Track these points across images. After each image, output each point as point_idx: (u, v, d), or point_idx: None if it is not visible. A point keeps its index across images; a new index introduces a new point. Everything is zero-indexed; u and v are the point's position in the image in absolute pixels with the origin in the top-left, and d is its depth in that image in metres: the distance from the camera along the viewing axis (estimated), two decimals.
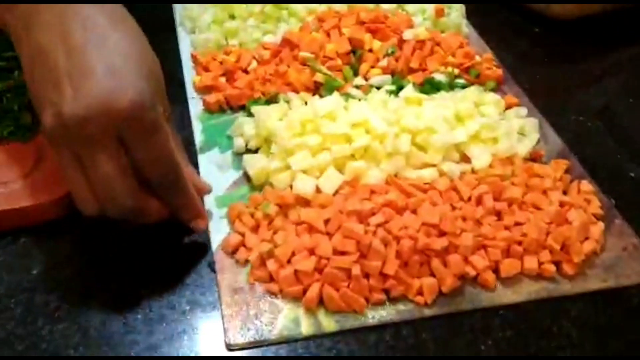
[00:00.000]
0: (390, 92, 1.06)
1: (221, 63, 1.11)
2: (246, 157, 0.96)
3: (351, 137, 0.94)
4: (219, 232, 0.88)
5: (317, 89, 1.08)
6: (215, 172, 0.97)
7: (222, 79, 1.10)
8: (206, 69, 1.11)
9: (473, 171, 0.95)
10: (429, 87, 1.09)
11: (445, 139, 0.94)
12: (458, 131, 0.97)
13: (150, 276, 0.83)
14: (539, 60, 1.26)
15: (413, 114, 0.97)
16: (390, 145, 0.92)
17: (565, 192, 0.94)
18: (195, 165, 0.97)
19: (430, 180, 0.91)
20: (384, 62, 1.12)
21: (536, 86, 1.16)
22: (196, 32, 1.21)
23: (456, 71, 1.14)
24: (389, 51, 1.13)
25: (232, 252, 0.86)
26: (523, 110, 1.09)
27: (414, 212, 0.86)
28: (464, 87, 1.13)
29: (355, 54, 1.13)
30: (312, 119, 0.95)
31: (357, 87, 1.08)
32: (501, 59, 1.21)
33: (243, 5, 1.21)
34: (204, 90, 1.09)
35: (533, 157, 1.01)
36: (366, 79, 1.11)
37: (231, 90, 1.07)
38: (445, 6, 1.26)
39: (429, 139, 0.94)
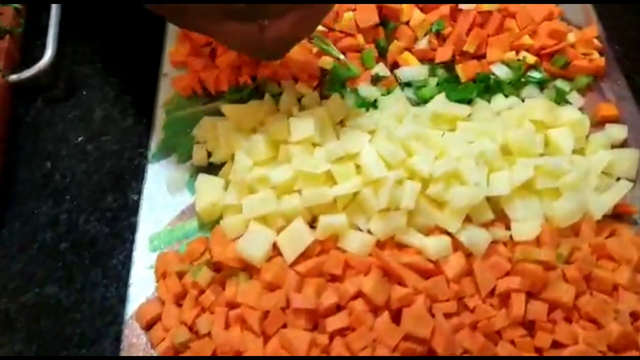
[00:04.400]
0: (421, 97, 0.75)
1: None
2: (201, 178, 0.71)
3: (333, 176, 0.65)
4: (140, 290, 0.66)
5: (322, 79, 0.79)
6: (162, 194, 0.73)
7: (206, 50, 0.82)
8: (188, 35, 0.84)
9: (507, 243, 0.64)
10: (482, 86, 0.76)
11: (475, 194, 0.63)
12: (499, 177, 0.66)
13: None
14: None
15: (433, 146, 0.67)
16: (387, 196, 0.63)
17: None
18: (139, 180, 0.74)
19: (436, 256, 0.62)
20: (423, 43, 0.79)
21: None
22: None
23: (531, 58, 0.79)
24: (434, 27, 0.79)
25: (147, 327, 0.63)
26: (621, 131, 0.74)
27: (398, 313, 0.59)
28: (540, 83, 0.79)
29: (386, 27, 0.80)
30: (286, 139, 0.68)
31: (377, 77, 0.77)
32: (612, 40, 0.84)
33: None
34: (179, 65, 0.83)
35: (618, 213, 0.68)
36: (394, 67, 0.79)
37: (209, 70, 0.80)
38: None
39: (449, 190, 0.64)
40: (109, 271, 0.70)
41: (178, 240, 0.70)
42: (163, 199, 0.72)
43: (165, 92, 0.81)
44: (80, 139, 0.79)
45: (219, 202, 0.68)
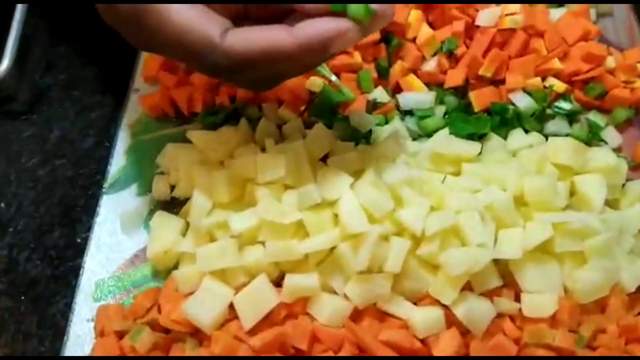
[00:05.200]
0: (423, 129, 0.63)
1: None
2: (157, 217, 0.61)
3: (306, 228, 0.54)
4: (78, 346, 0.57)
5: (310, 103, 0.67)
6: (115, 232, 0.62)
7: (182, 65, 0.72)
8: None
9: (516, 317, 0.52)
10: (498, 119, 0.64)
11: (477, 259, 0.51)
12: (510, 236, 0.53)
13: None
14: None
15: (429, 194, 0.55)
16: (368, 255, 0.51)
17: None
18: (91, 213, 0.64)
19: (425, 332, 0.51)
20: (431, 64, 0.67)
21: None
22: None
23: (560, 86, 0.67)
24: (445, 46, 0.67)
25: None
26: None
27: None
28: (570, 115, 0.66)
29: (389, 44, 0.69)
30: (254, 178, 0.56)
31: (374, 104, 0.66)
32: None
33: None
34: (150, 81, 0.72)
35: None
36: (397, 92, 0.67)
37: (182, 88, 0.69)
38: None
39: (445, 252, 0.52)
40: (46, 321, 0.60)
41: (126, 290, 0.59)
42: (115, 239, 0.62)
43: (134, 111, 0.71)
44: (32, 161, 0.69)
45: (173, 248, 0.57)
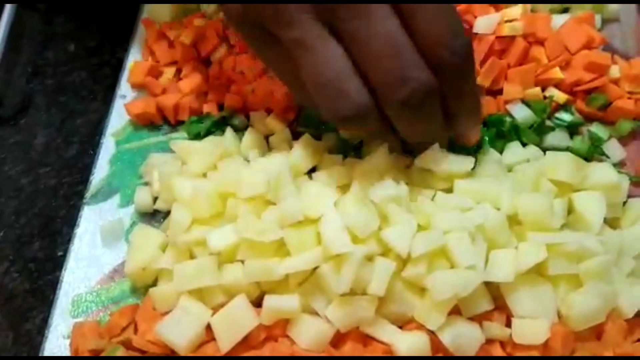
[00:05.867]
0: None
1: (172, 43, 0.70)
2: (138, 230, 0.58)
3: (287, 246, 0.51)
4: None
5: (298, 113, 0.65)
6: (96, 245, 0.61)
7: (170, 71, 0.70)
8: (152, 52, 0.71)
9: (506, 344, 0.50)
10: (494, 131, 0.61)
11: (466, 282, 0.48)
12: (501, 257, 0.51)
13: None
14: None
15: (417, 212, 0.52)
16: (351, 276, 0.48)
17: None
18: (72, 225, 0.62)
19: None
20: None
21: None
22: None
23: (561, 97, 0.64)
24: None
25: None
26: None
27: None
28: (570, 127, 0.63)
29: None
30: (233, 193, 0.54)
31: None
32: None
33: None
34: (137, 87, 0.70)
35: None
36: None
37: (169, 95, 0.67)
38: None
39: (432, 274, 0.49)
40: (21, 337, 0.58)
41: (104, 306, 0.57)
42: (95, 252, 0.60)
43: (119, 118, 0.69)
44: (16, 169, 0.68)
45: (151, 264, 0.55)
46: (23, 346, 0.58)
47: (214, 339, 0.51)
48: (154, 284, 0.57)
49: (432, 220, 0.51)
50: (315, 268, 0.51)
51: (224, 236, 0.52)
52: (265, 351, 0.50)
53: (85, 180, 0.65)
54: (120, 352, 0.51)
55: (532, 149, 0.60)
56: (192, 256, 0.55)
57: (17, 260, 0.62)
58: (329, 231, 0.50)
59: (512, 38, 0.65)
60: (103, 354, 0.52)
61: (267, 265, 0.50)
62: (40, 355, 0.56)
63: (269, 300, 0.50)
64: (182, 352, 0.50)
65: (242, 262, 0.52)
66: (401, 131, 0.52)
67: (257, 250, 0.51)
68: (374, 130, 0.52)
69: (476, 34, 0.65)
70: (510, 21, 0.65)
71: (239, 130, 0.64)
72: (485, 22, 0.64)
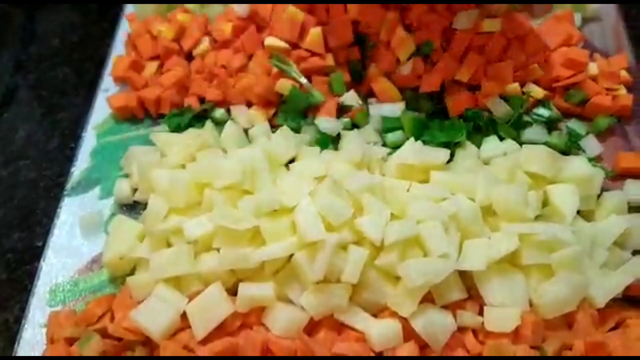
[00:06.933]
0: (390, 145, 0.61)
1: (154, 38, 0.71)
2: (116, 221, 0.59)
3: (262, 234, 0.52)
4: (29, 354, 0.54)
5: (278, 107, 0.65)
6: (75, 236, 0.61)
7: (152, 65, 0.70)
8: (134, 46, 0.72)
9: (479, 332, 0.50)
10: (472, 126, 0.62)
11: (438, 270, 0.48)
12: (475, 247, 0.51)
13: None
14: None
15: (391, 202, 0.52)
16: (324, 264, 0.49)
17: None
18: (52, 216, 0.62)
19: (381, 346, 0.48)
20: (407, 68, 0.65)
21: None
22: None
23: (539, 92, 0.64)
24: (421, 50, 0.65)
25: None
26: None
27: None
28: (548, 122, 0.64)
29: (363, 45, 0.67)
30: (210, 183, 0.54)
31: (344, 107, 0.64)
32: None
33: None
34: (119, 81, 0.71)
35: (630, 296, 0.52)
36: (370, 96, 0.65)
37: (150, 88, 0.68)
38: None
39: (405, 262, 0.49)
40: None
41: (82, 296, 0.57)
42: (74, 242, 0.60)
43: (101, 112, 0.69)
44: None
45: (128, 254, 0.55)
46: (0, 335, 0.57)
47: (189, 327, 0.51)
48: (132, 273, 0.57)
49: (406, 210, 0.51)
50: (291, 257, 0.51)
51: (200, 225, 0.52)
52: (239, 339, 0.50)
53: (65, 173, 0.65)
54: (95, 339, 0.51)
55: (509, 143, 0.60)
56: (169, 245, 0.55)
57: None
58: (303, 219, 0.50)
59: (492, 34, 0.65)
60: (78, 342, 0.52)
61: (243, 253, 0.51)
62: (16, 344, 0.55)
63: (244, 288, 0.51)
64: (157, 339, 0.50)
65: (218, 250, 0.52)
66: None
67: (233, 238, 0.51)
68: None
69: (456, 30, 0.65)
70: (490, 17, 0.65)
71: (220, 124, 0.64)
72: (465, 18, 0.65)
